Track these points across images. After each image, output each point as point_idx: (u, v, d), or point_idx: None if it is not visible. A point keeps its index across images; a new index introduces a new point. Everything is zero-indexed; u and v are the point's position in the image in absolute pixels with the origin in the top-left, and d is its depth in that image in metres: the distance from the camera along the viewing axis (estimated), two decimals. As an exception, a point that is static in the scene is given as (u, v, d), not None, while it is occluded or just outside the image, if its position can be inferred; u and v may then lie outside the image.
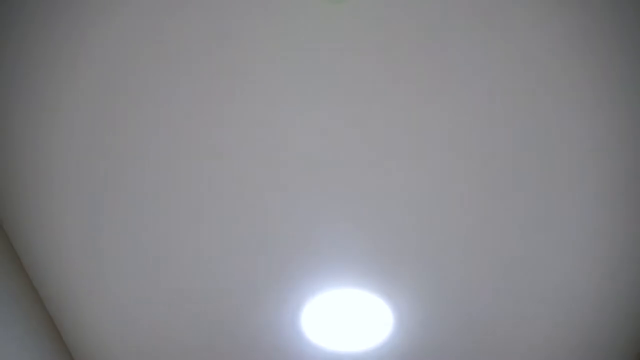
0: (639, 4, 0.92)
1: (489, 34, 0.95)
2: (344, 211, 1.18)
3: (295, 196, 1.16)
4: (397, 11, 0.93)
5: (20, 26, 0.96)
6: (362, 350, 1.46)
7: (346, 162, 1.12)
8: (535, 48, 0.97)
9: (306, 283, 1.31)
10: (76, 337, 1.50)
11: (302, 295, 1.34)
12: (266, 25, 0.95)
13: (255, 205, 1.18)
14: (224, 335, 1.44)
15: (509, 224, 1.22)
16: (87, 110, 1.07)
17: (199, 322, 1.43)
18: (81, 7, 0.93)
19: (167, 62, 1.00)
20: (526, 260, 1.29)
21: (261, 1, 0.93)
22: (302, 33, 0.96)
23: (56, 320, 1.44)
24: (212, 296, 1.36)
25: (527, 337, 1.46)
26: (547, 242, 1.23)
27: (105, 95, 1.04)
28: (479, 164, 1.12)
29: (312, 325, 1.41)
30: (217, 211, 1.20)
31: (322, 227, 1.21)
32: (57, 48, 0.98)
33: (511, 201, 1.18)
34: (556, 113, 1.05)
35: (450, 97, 1.03)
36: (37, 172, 1.16)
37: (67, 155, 1.14)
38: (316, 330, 1.42)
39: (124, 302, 1.39)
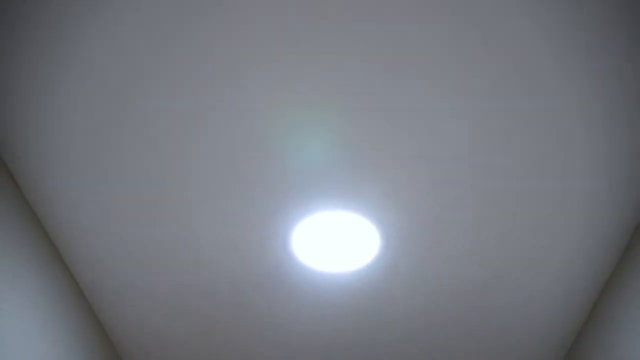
0: None
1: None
2: (331, 131, 1.18)
3: (281, 117, 1.16)
4: None
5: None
6: (351, 271, 1.52)
7: (337, 79, 1.10)
8: None
9: (296, 205, 1.34)
10: (79, 265, 1.54)
11: (292, 218, 1.38)
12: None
13: (243, 127, 1.18)
14: (213, 258, 1.48)
15: (503, 142, 1.22)
16: (93, 49, 1.06)
17: (189, 246, 1.46)
18: None
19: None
20: (523, 183, 1.30)
21: None
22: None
23: (60, 249, 1.47)
24: (203, 221, 1.39)
25: (516, 256, 1.49)
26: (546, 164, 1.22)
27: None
28: (475, 71, 1.09)
29: (302, 246, 1.46)
30: (208, 132, 1.20)
31: (312, 149, 1.22)
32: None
33: (506, 116, 1.17)
34: None
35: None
36: (39, 102, 1.16)
37: (70, 87, 1.13)
38: (306, 252, 1.47)
39: (125, 231, 1.41)
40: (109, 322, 1.72)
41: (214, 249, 1.43)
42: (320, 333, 1.74)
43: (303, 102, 1.14)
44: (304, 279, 1.54)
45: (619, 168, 1.26)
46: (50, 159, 1.27)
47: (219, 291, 1.57)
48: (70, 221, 1.41)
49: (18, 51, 1.07)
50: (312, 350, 1.79)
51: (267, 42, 1.05)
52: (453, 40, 1.04)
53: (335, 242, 1.44)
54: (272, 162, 1.25)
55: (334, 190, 1.30)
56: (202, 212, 1.37)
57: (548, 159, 1.23)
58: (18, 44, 1.05)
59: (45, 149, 1.25)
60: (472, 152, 1.22)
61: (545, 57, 1.06)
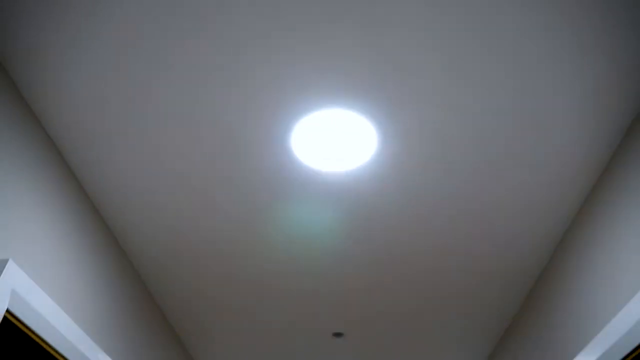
0: None
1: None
2: (332, 32, 1.17)
3: (283, 16, 1.13)
4: None
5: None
6: (348, 170, 1.54)
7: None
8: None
9: (295, 103, 1.33)
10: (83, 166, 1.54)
11: (291, 116, 1.37)
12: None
13: (245, 26, 1.16)
14: (216, 155, 1.48)
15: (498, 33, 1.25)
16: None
17: (193, 144, 1.45)
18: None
19: None
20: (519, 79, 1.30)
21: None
22: None
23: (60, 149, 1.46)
24: (206, 119, 1.37)
25: (514, 152, 1.50)
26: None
27: None
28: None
29: (301, 145, 1.46)
30: (210, 30, 1.17)
31: (311, 48, 1.20)
32: None
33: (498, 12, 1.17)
34: None
35: None
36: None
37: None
38: (305, 151, 1.47)
39: (129, 139, 1.40)
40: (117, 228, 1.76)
41: (212, 147, 1.43)
42: (317, 231, 1.75)
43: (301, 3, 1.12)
44: (303, 178, 1.57)
45: (618, 58, 1.23)
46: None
47: (220, 189, 1.58)
48: (72, 122, 1.41)
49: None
50: (309, 247, 1.83)
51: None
52: None
53: (333, 142, 1.45)
54: (273, 61, 1.23)
55: (333, 88, 1.29)
56: (202, 111, 1.35)
57: (541, 54, 1.20)
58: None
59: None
60: (468, 47, 1.20)
61: None
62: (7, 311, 1.17)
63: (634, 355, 1.37)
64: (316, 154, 1.48)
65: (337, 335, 2.56)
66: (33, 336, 1.27)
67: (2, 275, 1.13)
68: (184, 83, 1.29)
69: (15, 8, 1.11)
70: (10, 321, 1.19)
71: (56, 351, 1.37)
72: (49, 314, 1.32)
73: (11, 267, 1.17)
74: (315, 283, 2.11)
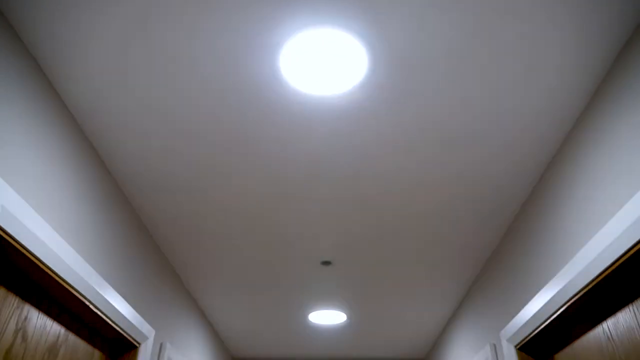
0: None
1: None
2: None
3: None
4: None
5: None
6: (338, 94, 1.53)
7: None
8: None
9: (283, 22, 1.30)
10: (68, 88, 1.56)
11: (279, 36, 1.34)
12: None
13: None
14: (202, 80, 1.45)
15: None
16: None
17: (181, 68, 1.46)
18: None
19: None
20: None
21: None
22: None
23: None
24: (191, 42, 1.36)
25: (509, 69, 1.49)
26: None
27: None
28: None
29: (289, 67, 1.43)
30: None
31: None
32: None
33: None
34: None
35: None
36: None
37: None
38: (293, 73, 1.45)
39: (110, 53, 1.45)
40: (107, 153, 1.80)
41: (198, 71, 1.39)
42: (306, 155, 1.76)
43: None
44: (292, 102, 1.55)
45: None
46: None
47: (207, 115, 1.55)
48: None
49: None
50: (297, 170, 1.88)
51: None
52: None
53: (323, 64, 1.41)
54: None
55: (322, 5, 1.26)
56: (188, 34, 1.33)
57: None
58: None
59: None
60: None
61: None
62: (-3, 226, 1.20)
63: (596, 282, 1.44)
64: (305, 76, 1.46)
65: (326, 263, 2.64)
66: (24, 251, 1.31)
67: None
68: (167, 1, 1.26)
69: None
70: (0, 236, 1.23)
71: (47, 266, 1.42)
72: (39, 230, 1.36)
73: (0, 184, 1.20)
74: (303, 211, 2.15)
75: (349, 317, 3.43)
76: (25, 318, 1.47)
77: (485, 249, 2.46)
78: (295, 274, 2.78)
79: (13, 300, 1.41)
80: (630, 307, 1.45)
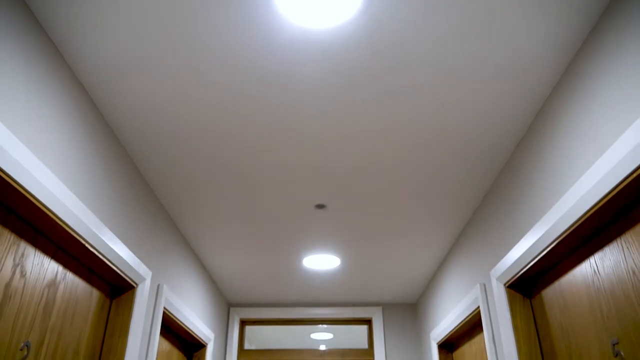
0: None
1: None
2: None
3: None
4: None
5: None
6: (332, 27, 1.49)
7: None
8: None
9: None
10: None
11: None
12: None
13: None
14: (195, 16, 1.44)
15: None
16: None
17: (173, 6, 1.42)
18: None
19: None
20: None
21: None
22: None
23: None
24: None
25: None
26: None
27: None
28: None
29: (284, 1, 1.40)
30: None
31: None
32: None
33: None
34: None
35: None
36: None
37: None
38: (288, 6, 1.42)
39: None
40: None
41: (190, 8, 1.38)
42: (300, 93, 1.74)
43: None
44: (285, 34, 1.52)
45: None
46: None
47: (200, 52, 1.51)
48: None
49: None
50: (291, 110, 1.88)
51: None
52: None
53: None
54: None
55: None
56: None
57: None
58: None
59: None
60: None
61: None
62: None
63: (584, 218, 1.46)
64: (299, 9, 1.42)
65: (320, 207, 2.67)
66: (17, 187, 1.31)
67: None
68: None
69: None
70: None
71: (43, 204, 1.42)
72: (33, 169, 1.35)
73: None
74: (297, 153, 2.15)
75: (342, 262, 3.51)
76: (22, 254, 1.48)
77: (478, 191, 2.49)
78: (289, 218, 2.81)
79: (8, 237, 1.42)
80: (619, 240, 1.49)
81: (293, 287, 4.00)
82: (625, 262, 1.45)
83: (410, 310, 4.38)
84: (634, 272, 1.41)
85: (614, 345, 1.50)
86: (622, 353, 1.46)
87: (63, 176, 1.59)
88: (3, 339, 1.38)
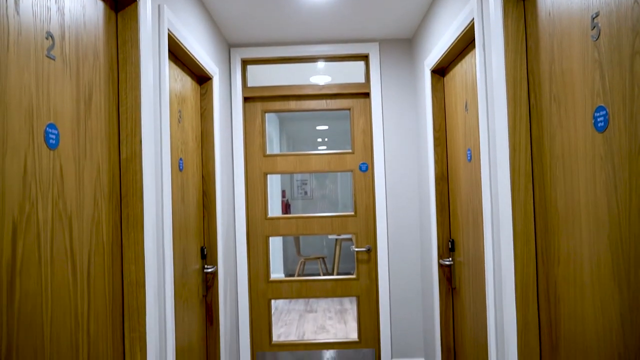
0: None
1: None
2: None
3: None
4: None
5: None
6: None
7: None
8: None
9: None
10: None
11: None
12: None
13: None
14: None
15: None
16: None
17: None
18: None
19: None
20: None
21: None
22: None
23: None
24: None
25: None
26: None
27: None
28: None
29: None
30: None
31: None
32: None
33: None
34: None
35: None
36: None
37: None
38: None
39: None
40: None
41: None
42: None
43: None
44: None
45: None
46: None
47: None
48: None
49: None
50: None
51: None
52: None
53: None
54: None
55: None
56: None
57: None
58: None
59: None
60: None
61: None
62: None
63: None
64: None
65: None
66: None
67: None
68: None
69: None
70: None
71: None
72: None
73: None
74: None
75: (340, -8, 3.45)
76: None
77: None
78: None
79: None
80: None
81: (292, 25, 4.02)
82: None
83: (406, 45, 4.49)
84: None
85: (593, 18, 1.62)
86: (599, 25, 1.58)
87: None
88: (28, 29, 1.49)
